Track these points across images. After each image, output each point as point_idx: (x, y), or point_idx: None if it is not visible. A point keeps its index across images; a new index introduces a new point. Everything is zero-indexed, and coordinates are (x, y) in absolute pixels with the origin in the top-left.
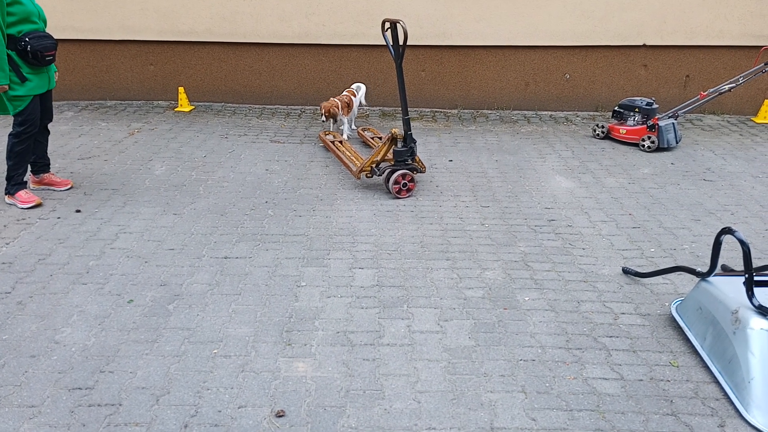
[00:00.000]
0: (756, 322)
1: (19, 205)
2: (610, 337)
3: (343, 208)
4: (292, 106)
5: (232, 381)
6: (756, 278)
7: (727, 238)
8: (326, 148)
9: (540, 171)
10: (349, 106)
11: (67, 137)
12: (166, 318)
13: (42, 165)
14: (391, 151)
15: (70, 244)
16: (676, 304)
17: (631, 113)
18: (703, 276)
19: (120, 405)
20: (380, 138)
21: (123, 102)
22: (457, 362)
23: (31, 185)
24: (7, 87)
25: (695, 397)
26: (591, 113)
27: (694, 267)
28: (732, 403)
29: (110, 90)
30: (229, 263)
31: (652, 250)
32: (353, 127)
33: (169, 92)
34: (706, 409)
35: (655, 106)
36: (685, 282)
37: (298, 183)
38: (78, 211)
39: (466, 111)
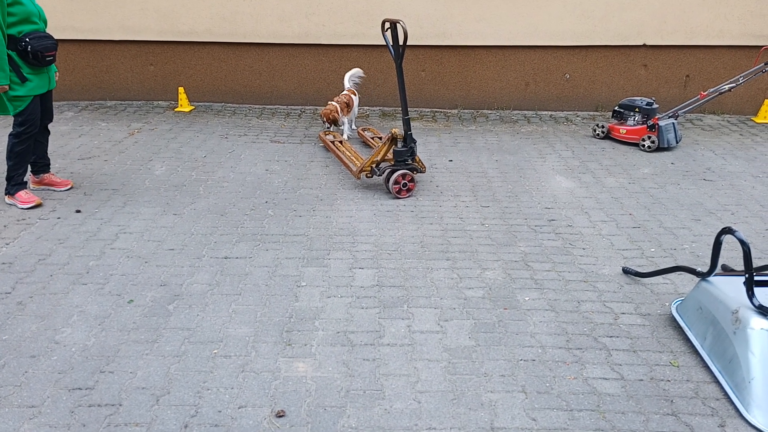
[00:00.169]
0: (756, 321)
1: (19, 206)
2: (611, 337)
3: (343, 208)
4: (292, 106)
5: (232, 381)
6: (756, 278)
7: (727, 238)
8: (326, 148)
9: (540, 171)
10: (348, 105)
11: (67, 137)
12: (166, 318)
13: (42, 165)
14: (391, 151)
15: (70, 244)
16: (677, 304)
17: (632, 113)
18: (703, 276)
19: (120, 405)
20: (380, 138)
21: (123, 102)
22: (457, 362)
23: (31, 185)
24: (7, 87)
25: (695, 397)
26: (591, 113)
27: (694, 267)
28: (732, 403)
29: (110, 90)
30: (229, 263)
31: (653, 249)
32: (353, 127)
33: (169, 92)
34: (706, 409)
35: (655, 106)
36: (685, 282)
37: (298, 183)
38: (78, 211)
39: (466, 111)
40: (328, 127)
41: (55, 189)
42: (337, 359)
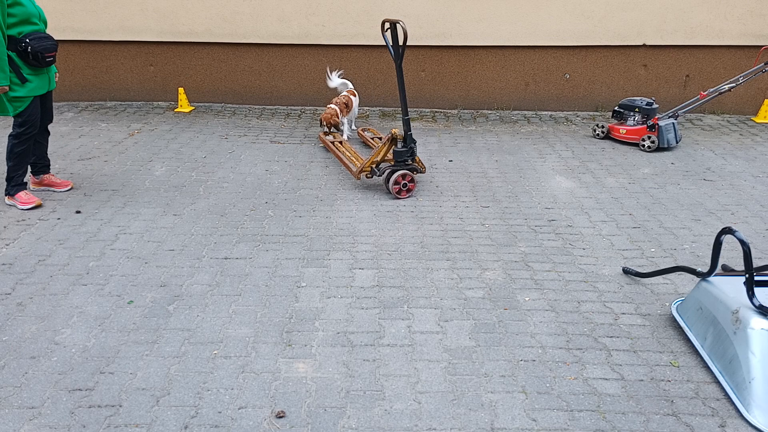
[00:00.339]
0: (756, 322)
1: (19, 206)
2: (611, 337)
3: (343, 208)
4: (292, 107)
5: (232, 382)
6: (756, 278)
7: (727, 238)
8: (326, 148)
9: (540, 171)
10: (347, 106)
11: (67, 138)
12: (166, 319)
13: (42, 166)
14: (391, 151)
15: (70, 245)
16: (677, 304)
17: (631, 113)
18: (703, 276)
19: (120, 406)
20: (380, 138)
21: (123, 103)
22: (457, 363)
23: (31, 186)
24: (7, 88)
25: (696, 397)
26: (591, 113)
27: (694, 267)
28: (733, 403)
29: (110, 91)
30: (229, 264)
31: (653, 250)
32: (353, 127)
33: (169, 93)
34: (706, 409)
35: (655, 106)
36: (685, 282)
37: (298, 183)
38: (78, 212)
39: (466, 111)
40: (326, 132)
41: (55, 190)
42: (338, 360)
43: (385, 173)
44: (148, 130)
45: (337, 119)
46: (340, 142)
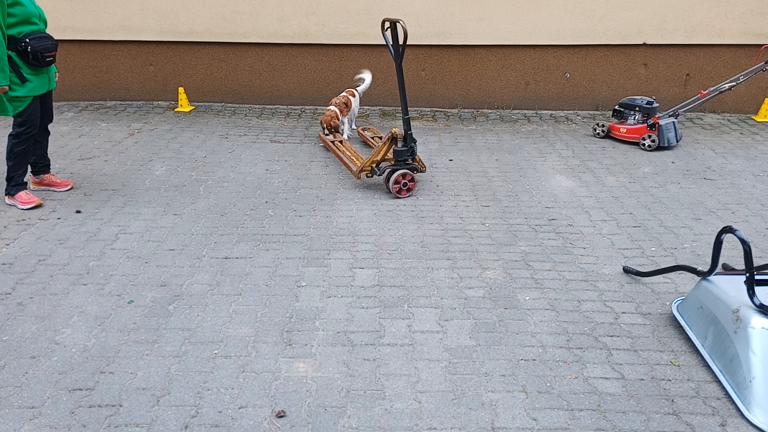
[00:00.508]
0: (757, 321)
1: (20, 206)
2: (611, 336)
3: (344, 207)
4: (292, 106)
5: (232, 381)
6: (757, 277)
7: (728, 237)
8: (326, 147)
9: (540, 170)
10: (347, 105)
11: (67, 138)
12: (166, 318)
13: (42, 166)
14: (392, 150)
15: (71, 244)
16: (677, 303)
17: (632, 112)
18: (704, 275)
19: (120, 406)
20: (380, 138)
21: (123, 102)
22: (457, 362)
23: (31, 186)
24: (7, 88)
25: (696, 396)
26: (591, 112)
27: (695, 266)
28: (733, 403)
29: (110, 90)
30: (230, 263)
31: (653, 249)
32: (353, 126)
33: (169, 92)
34: (707, 408)
35: (655, 104)
36: (686, 281)
37: (299, 183)
38: (78, 211)
39: (466, 110)
40: (327, 134)
41: (55, 189)
42: (338, 359)
43: (386, 172)
44: (149, 130)
45: (337, 121)
46: (341, 142)
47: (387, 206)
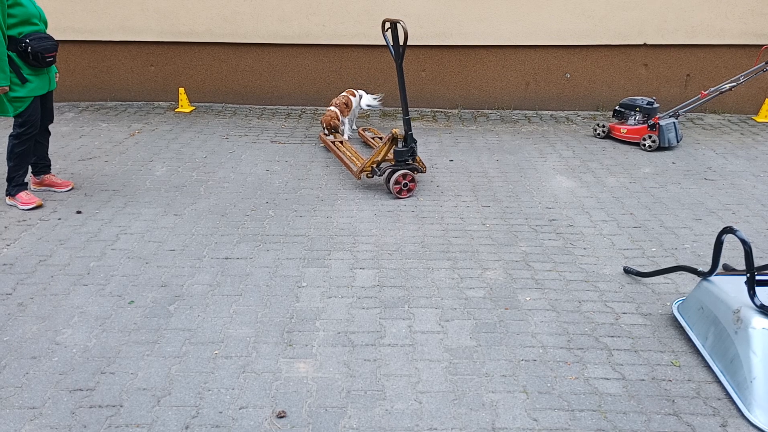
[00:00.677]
0: (758, 321)
1: (20, 207)
2: (612, 336)
3: (344, 208)
4: (293, 107)
5: (233, 382)
6: (758, 277)
7: (728, 238)
8: (327, 148)
9: (541, 170)
10: (347, 106)
11: (68, 138)
12: (167, 319)
13: (43, 166)
14: (392, 151)
15: (71, 245)
16: (678, 303)
17: (632, 112)
18: (704, 275)
19: (121, 406)
20: (381, 138)
21: (123, 103)
22: (458, 362)
23: (31, 186)
24: (7, 88)
25: (697, 396)
26: (592, 113)
27: (695, 266)
28: (734, 403)
29: (111, 91)
30: (230, 264)
31: (654, 249)
32: (354, 127)
33: (169, 93)
34: (708, 408)
35: (656, 105)
36: (686, 281)
37: (299, 183)
38: (79, 212)
39: (466, 111)
40: (328, 132)
41: (56, 190)
42: (338, 360)
43: (386, 173)
44: (149, 131)
45: (337, 122)
46: (341, 142)
47: (387, 207)
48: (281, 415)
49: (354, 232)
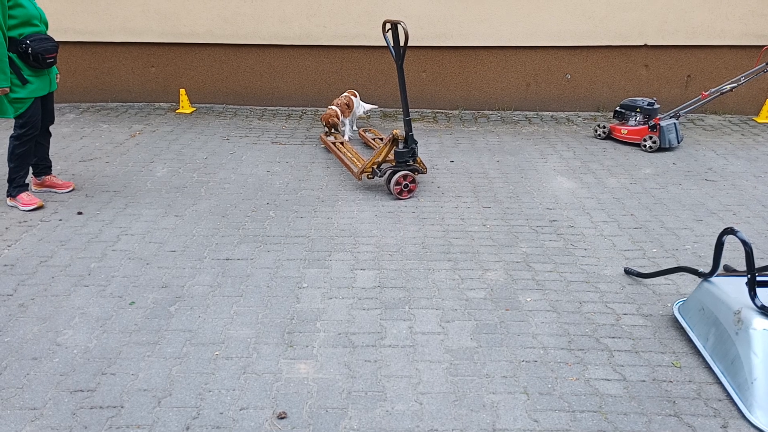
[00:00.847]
0: (759, 322)
1: (21, 208)
2: (613, 337)
3: (345, 209)
4: (294, 108)
5: (233, 383)
6: (758, 278)
7: (729, 239)
8: (327, 149)
9: (541, 171)
10: (349, 106)
11: (69, 139)
12: (167, 320)
13: (43, 167)
14: (393, 152)
15: (72, 246)
16: (679, 304)
17: (633, 113)
18: (705, 276)
19: (122, 407)
20: (381, 139)
21: (124, 104)
22: (459, 363)
23: (32, 187)
24: (8, 89)
25: (698, 398)
26: (592, 113)
27: (696, 267)
28: (735, 404)
29: (112, 92)
30: (231, 265)
31: (654, 250)
32: (354, 128)
33: (170, 94)
34: (708, 410)
35: (656, 106)
36: (687, 282)
37: (300, 184)
38: (80, 213)
39: (467, 112)
40: (328, 131)
41: (57, 191)
42: (339, 360)
43: (387, 174)
44: (150, 132)
45: (336, 120)
46: (342, 143)
47: (388, 207)
48: (282, 416)
49: (355, 233)
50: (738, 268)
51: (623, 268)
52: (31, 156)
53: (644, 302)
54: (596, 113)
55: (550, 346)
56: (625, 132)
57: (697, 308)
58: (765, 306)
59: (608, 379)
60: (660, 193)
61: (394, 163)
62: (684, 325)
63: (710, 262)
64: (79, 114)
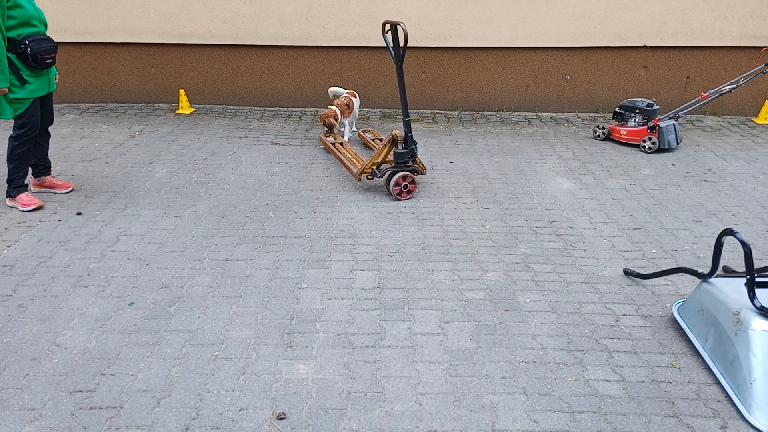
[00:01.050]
0: (758, 323)
1: (20, 208)
2: (612, 338)
3: (344, 210)
4: (293, 108)
5: (233, 383)
6: (757, 279)
7: (728, 239)
8: (327, 150)
9: (541, 172)
10: (348, 107)
11: (68, 140)
12: (167, 320)
13: (43, 168)
14: (392, 152)
15: (71, 246)
16: (678, 305)
17: (632, 114)
18: (704, 277)
19: (121, 408)
20: (381, 140)
21: (124, 104)
22: (458, 364)
23: (32, 188)
24: (7, 90)
25: (697, 398)
26: (591, 114)
27: (695, 268)
28: (734, 405)
29: (111, 92)
30: (230, 265)
31: (654, 251)
32: (354, 129)
33: (169, 94)
34: (707, 410)
35: (655, 107)
36: (686, 283)
37: (299, 185)
38: (79, 213)
39: (466, 112)
40: (328, 130)
41: (56, 191)
42: (338, 361)
43: (386, 175)
44: (149, 132)
45: (333, 120)
46: (341, 144)
47: (387, 208)
48: (281, 417)
49: (354, 234)
50: (737, 269)
51: (622, 269)
52: (31, 156)
53: (643, 303)
54: (595, 114)
55: (549, 346)
56: (625, 133)
57: (696, 309)
58: (764, 307)
59: (607, 380)
60: (659, 194)
61: (393, 164)
62: (683, 325)
63: (709, 263)
64: (78, 114)
